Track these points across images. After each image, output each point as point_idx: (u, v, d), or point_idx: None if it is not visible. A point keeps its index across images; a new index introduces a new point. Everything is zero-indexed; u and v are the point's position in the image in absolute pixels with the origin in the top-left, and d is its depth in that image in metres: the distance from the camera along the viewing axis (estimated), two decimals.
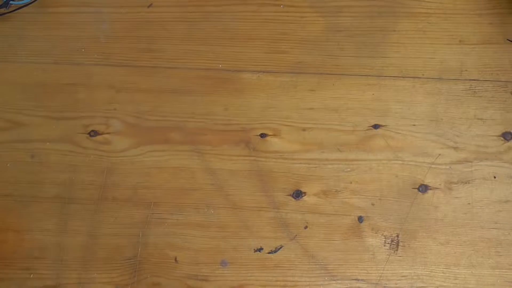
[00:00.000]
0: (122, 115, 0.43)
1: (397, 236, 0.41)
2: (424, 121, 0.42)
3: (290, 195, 0.41)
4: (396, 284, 0.40)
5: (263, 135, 0.42)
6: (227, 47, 0.44)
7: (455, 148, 0.41)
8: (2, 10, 0.44)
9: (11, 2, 0.44)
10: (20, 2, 0.44)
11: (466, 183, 0.41)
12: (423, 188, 0.41)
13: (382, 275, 0.40)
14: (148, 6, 0.45)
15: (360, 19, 0.43)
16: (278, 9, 0.44)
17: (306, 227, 0.41)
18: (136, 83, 0.43)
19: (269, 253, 0.41)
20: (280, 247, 0.41)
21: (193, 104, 0.43)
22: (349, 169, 0.41)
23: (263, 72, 0.43)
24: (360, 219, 0.41)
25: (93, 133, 0.43)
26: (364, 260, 0.41)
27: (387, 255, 0.41)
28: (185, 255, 0.41)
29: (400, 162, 0.41)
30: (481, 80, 0.42)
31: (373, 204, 0.41)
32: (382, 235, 0.41)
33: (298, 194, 0.41)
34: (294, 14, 0.44)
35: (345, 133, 0.42)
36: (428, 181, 0.41)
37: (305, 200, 0.41)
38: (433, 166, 0.41)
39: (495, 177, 0.41)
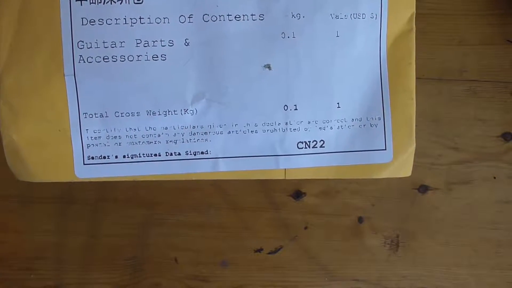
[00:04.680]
0: None
1: (397, 236, 0.41)
2: (424, 121, 0.42)
3: (290, 195, 0.41)
4: (396, 284, 0.40)
5: None
6: None
7: (455, 149, 0.41)
8: None
9: None
10: None
11: (466, 183, 0.41)
12: (423, 188, 0.41)
13: (382, 275, 0.40)
14: None
15: None
16: None
17: (306, 228, 0.41)
18: None
19: (269, 253, 0.41)
20: (280, 248, 0.41)
21: None
22: None
23: None
24: (360, 219, 0.41)
25: None
26: (364, 260, 0.41)
27: (387, 255, 0.41)
28: (185, 255, 0.41)
29: None
30: (481, 81, 0.42)
31: (373, 205, 0.41)
32: (382, 235, 0.41)
33: (298, 195, 0.41)
34: None
35: None
36: (428, 181, 0.41)
37: (305, 201, 0.41)
38: (433, 166, 0.41)
39: (495, 178, 0.41)
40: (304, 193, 0.41)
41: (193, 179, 0.24)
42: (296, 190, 0.41)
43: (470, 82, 0.42)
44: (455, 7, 0.43)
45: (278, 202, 0.41)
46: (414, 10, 0.24)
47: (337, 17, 0.23)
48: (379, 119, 0.25)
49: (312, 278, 0.40)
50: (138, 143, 0.23)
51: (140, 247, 0.41)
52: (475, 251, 0.40)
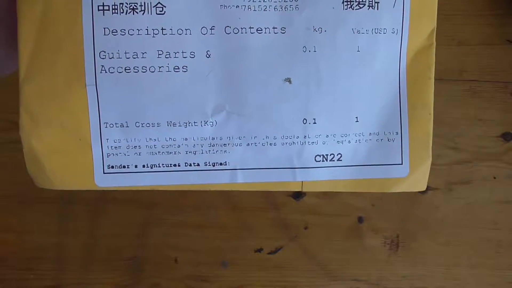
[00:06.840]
0: None
1: (397, 236, 0.41)
2: None
3: (290, 195, 0.41)
4: (396, 284, 0.40)
5: None
6: None
7: (455, 149, 0.41)
8: None
9: None
10: None
11: (466, 183, 0.41)
12: None
13: (382, 275, 0.40)
14: None
15: None
16: None
17: (306, 228, 0.41)
18: None
19: (269, 253, 0.41)
20: (280, 248, 0.41)
21: None
22: None
23: None
24: (360, 219, 0.41)
25: None
26: (364, 260, 0.41)
27: (387, 255, 0.41)
28: (185, 255, 0.41)
29: None
30: (481, 81, 0.42)
31: (373, 205, 0.41)
32: (382, 235, 0.41)
33: (298, 195, 0.41)
34: None
35: None
36: (428, 181, 0.41)
37: (305, 201, 0.41)
38: (433, 166, 0.41)
39: (495, 178, 0.41)
40: (304, 193, 0.41)
41: (211, 189, 0.24)
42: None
43: (470, 82, 0.42)
44: (455, 7, 0.43)
45: (278, 202, 0.41)
46: (435, 25, 0.24)
47: (358, 31, 0.22)
48: (397, 133, 0.25)
49: (312, 278, 0.40)
50: (157, 153, 0.23)
51: (140, 247, 0.41)
52: (475, 251, 0.40)
